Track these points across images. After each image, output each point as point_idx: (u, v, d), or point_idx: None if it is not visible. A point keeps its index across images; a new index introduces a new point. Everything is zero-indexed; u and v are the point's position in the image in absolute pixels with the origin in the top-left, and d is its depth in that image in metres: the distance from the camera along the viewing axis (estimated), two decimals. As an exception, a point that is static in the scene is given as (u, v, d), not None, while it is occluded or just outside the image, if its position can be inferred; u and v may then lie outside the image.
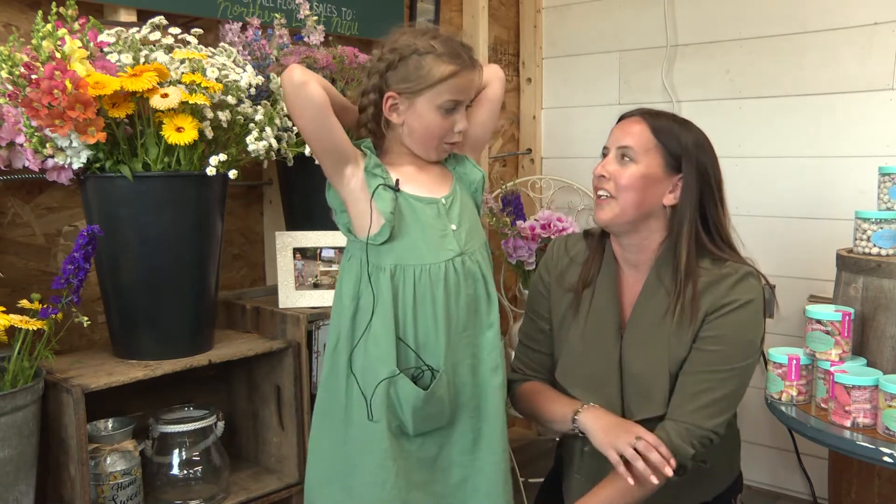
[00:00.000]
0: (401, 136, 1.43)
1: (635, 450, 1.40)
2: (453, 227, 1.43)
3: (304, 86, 1.32)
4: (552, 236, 2.30)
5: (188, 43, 1.66)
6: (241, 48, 1.82)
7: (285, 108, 1.70)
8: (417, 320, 1.40)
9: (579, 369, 1.61)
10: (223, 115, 1.59)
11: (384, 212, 1.39)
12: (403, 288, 1.40)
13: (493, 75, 1.53)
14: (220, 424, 1.74)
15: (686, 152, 1.55)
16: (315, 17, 1.94)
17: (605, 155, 1.58)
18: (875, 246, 1.74)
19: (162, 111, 1.48)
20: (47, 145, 1.45)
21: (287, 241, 1.84)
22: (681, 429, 1.46)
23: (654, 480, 1.39)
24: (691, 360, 1.50)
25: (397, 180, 1.42)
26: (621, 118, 1.61)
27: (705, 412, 1.47)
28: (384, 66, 1.38)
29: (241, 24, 1.87)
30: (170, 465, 1.67)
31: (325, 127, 1.36)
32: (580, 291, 1.63)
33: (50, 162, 1.49)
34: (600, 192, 1.56)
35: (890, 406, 1.46)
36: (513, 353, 1.99)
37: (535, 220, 2.38)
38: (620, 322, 1.59)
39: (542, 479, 1.84)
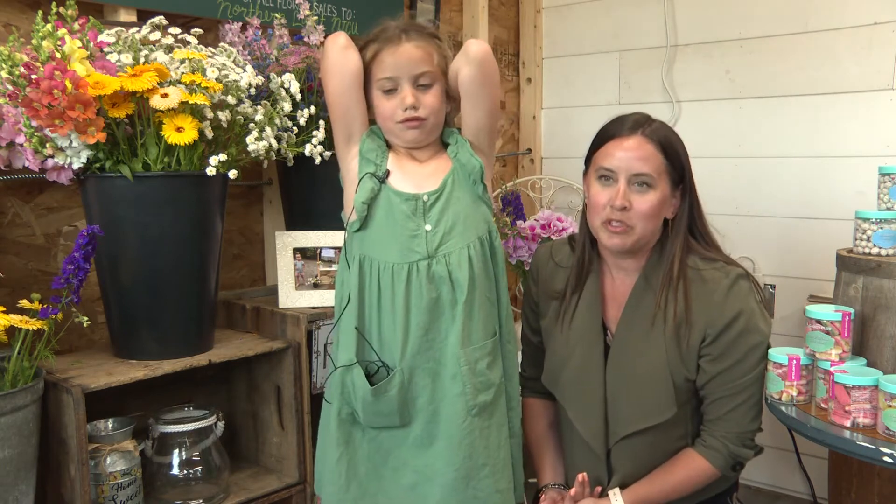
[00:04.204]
0: None
1: None
2: (428, 227, 1.41)
3: (347, 49, 1.38)
4: (552, 236, 2.30)
5: (188, 43, 1.66)
6: (241, 48, 1.82)
7: (285, 109, 1.71)
8: (382, 316, 1.41)
9: (562, 373, 1.61)
10: (223, 115, 1.59)
11: (357, 202, 1.41)
12: (370, 281, 1.42)
13: (461, 59, 1.40)
14: (220, 424, 1.74)
15: (687, 165, 1.54)
16: (315, 17, 1.93)
17: (605, 177, 1.51)
18: (875, 246, 1.73)
19: (162, 111, 1.48)
20: (47, 145, 1.45)
21: (287, 241, 1.84)
22: (732, 437, 1.52)
23: None
24: (716, 379, 1.52)
25: (387, 171, 1.43)
26: (614, 135, 1.52)
27: (749, 415, 1.54)
28: None
29: (241, 24, 1.87)
30: (170, 465, 1.67)
31: (350, 96, 1.40)
32: (566, 297, 1.62)
33: (50, 162, 1.49)
34: (616, 222, 1.50)
35: (890, 406, 1.45)
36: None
37: (535, 220, 2.38)
38: (604, 325, 1.60)
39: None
